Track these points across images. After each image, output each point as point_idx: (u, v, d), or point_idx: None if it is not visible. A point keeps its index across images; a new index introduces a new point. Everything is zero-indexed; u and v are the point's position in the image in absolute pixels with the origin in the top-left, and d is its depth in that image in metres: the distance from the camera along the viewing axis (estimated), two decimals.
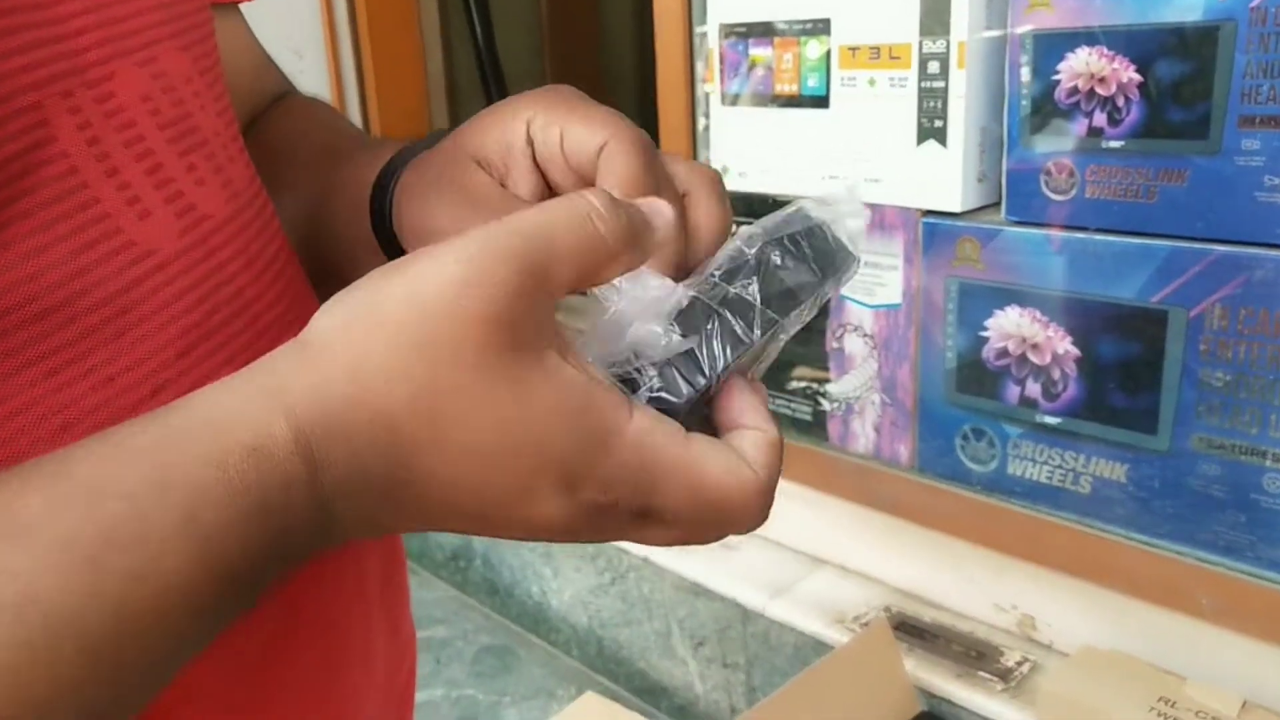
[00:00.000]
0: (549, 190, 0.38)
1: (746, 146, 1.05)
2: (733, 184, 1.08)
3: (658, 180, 0.35)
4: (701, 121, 1.11)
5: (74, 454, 0.25)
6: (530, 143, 0.37)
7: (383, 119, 1.94)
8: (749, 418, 0.31)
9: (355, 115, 1.93)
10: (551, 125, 0.36)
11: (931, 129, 0.90)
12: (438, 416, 0.27)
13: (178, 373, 0.34)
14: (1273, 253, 0.73)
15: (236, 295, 0.37)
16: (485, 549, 1.47)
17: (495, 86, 2.34)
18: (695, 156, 1.12)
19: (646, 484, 0.29)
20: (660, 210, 0.31)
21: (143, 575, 0.23)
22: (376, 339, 0.27)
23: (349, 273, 0.45)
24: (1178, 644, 0.84)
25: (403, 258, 0.29)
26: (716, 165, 1.09)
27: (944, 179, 0.90)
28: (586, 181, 0.36)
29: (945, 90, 0.88)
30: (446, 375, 0.27)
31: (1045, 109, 0.83)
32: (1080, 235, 0.83)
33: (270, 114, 0.54)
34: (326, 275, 0.48)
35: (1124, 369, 0.83)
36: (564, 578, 1.33)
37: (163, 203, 0.34)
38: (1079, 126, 0.81)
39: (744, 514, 0.30)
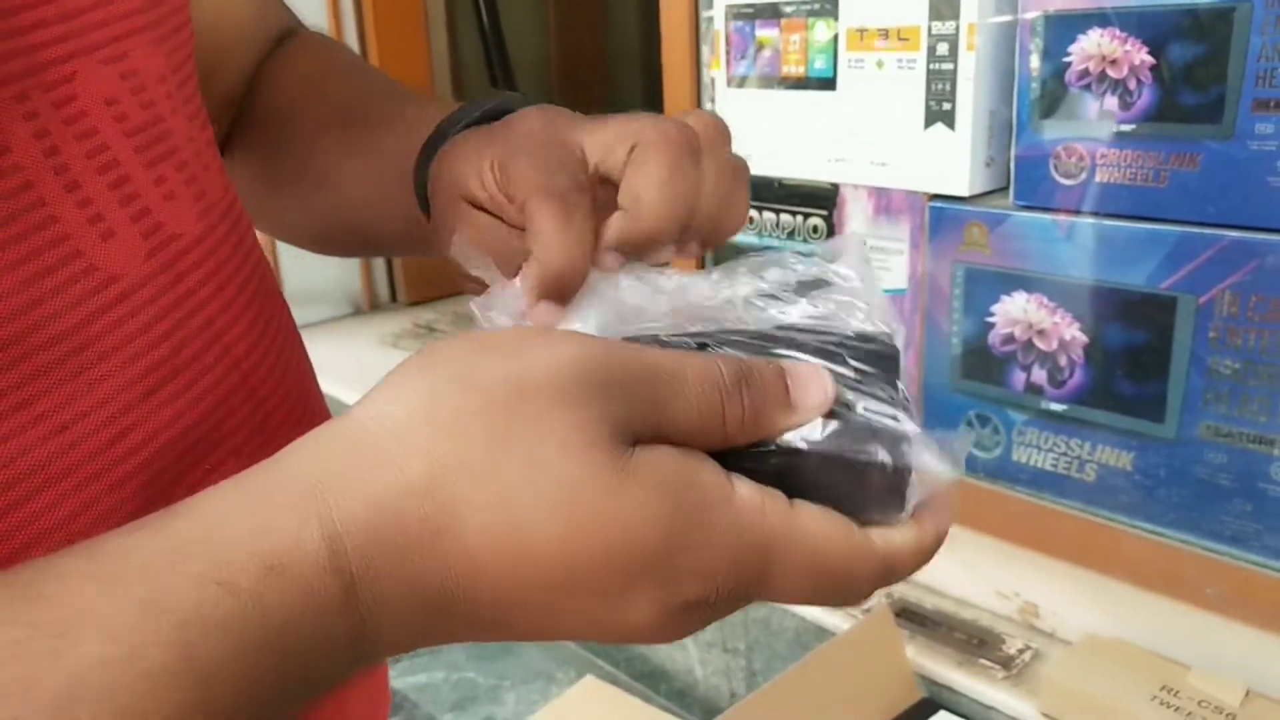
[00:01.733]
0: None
1: (752, 129, 1.04)
2: None
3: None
4: (707, 106, 1.10)
5: (48, 571, 0.21)
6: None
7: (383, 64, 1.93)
8: None
9: None
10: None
11: (940, 112, 0.89)
12: (515, 515, 0.23)
13: (141, 416, 0.30)
14: None
15: (207, 325, 0.33)
16: None
17: (500, 69, 2.33)
18: None
19: (755, 568, 0.25)
20: (810, 387, 0.27)
21: None
22: (457, 432, 0.23)
23: (399, 245, 0.44)
24: (1181, 633, 0.84)
25: (492, 339, 0.26)
26: None
27: (952, 162, 0.89)
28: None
29: (954, 73, 0.87)
30: (527, 471, 0.23)
31: (1055, 92, 0.82)
32: (1089, 220, 0.82)
33: (285, 60, 0.49)
34: (379, 245, 0.47)
35: (1131, 356, 0.82)
36: None
37: (128, 221, 0.31)
38: (1090, 110, 0.80)
39: (866, 583, 0.27)
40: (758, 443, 0.27)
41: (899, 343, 0.31)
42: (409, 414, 0.24)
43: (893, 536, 0.27)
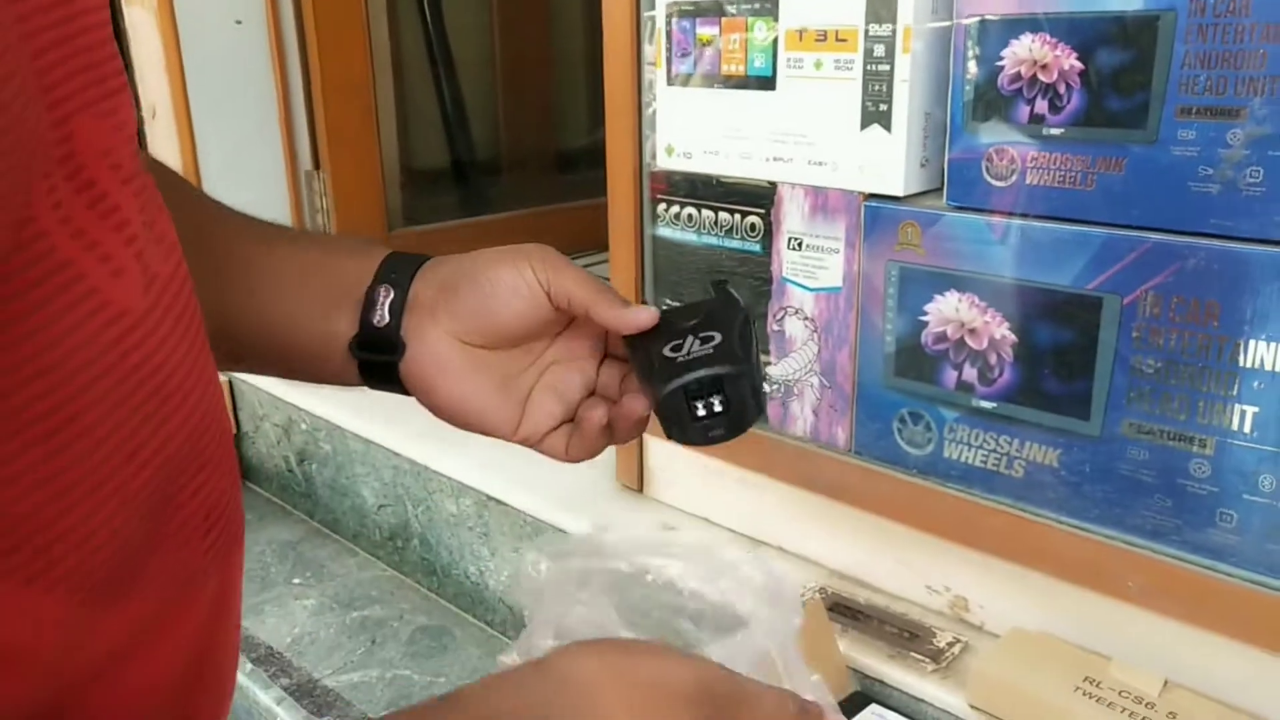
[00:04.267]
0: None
1: (691, 127, 1.05)
2: (677, 164, 1.07)
3: None
4: (648, 104, 1.10)
5: None
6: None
7: (325, 91, 1.90)
8: None
9: (297, 88, 1.89)
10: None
11: (876, 113, 0.90)
12: None
13: (145, 438, 0.33)
14: (1204, 242, 0.74)
15: (186, 354, 0.36)
16: (423, 529, 1.45)
17: (444, 64, 2.31)
18: (641, 138, 1.11)
19: None
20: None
21: None
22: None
23: (293, 360, 0.56)
24: (1104, 625, 0.86)
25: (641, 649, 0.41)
26: (662, 146, 1.08)
27: (887, 163, 0.90)
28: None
29: (890, 74, 0.88)
30: None
31: (988, 95, 0.83)
32: (1019, 221, 0.84)
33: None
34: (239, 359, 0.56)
35: (1059, 355, 0.84)
36: (501, 558, 1.32)
37: (133, 259, 0.32)
38: (1021, 113, 0.82)
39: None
40: None
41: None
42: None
43: None
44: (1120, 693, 0.80)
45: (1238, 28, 0.69)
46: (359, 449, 1.52)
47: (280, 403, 1.67)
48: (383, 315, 0.52)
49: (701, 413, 0.49)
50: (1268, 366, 0.73)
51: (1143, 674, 0.81)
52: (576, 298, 0.52)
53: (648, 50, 1.08)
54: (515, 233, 2.19)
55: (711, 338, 0.50)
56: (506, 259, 0.53)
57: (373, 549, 1.58)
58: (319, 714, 1.25)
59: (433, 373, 0.53)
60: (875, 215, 0.92)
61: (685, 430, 0.49)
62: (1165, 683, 0.80)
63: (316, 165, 1.94)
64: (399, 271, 0.54)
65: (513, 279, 0.52)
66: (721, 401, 0.49)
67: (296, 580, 1.53)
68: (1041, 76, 0.80)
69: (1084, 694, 0.80)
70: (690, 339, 0.51)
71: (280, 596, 1.49)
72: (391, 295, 0.53)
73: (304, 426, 1.63)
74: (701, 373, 0.48)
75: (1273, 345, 0.73)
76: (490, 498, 1.31)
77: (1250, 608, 0.76)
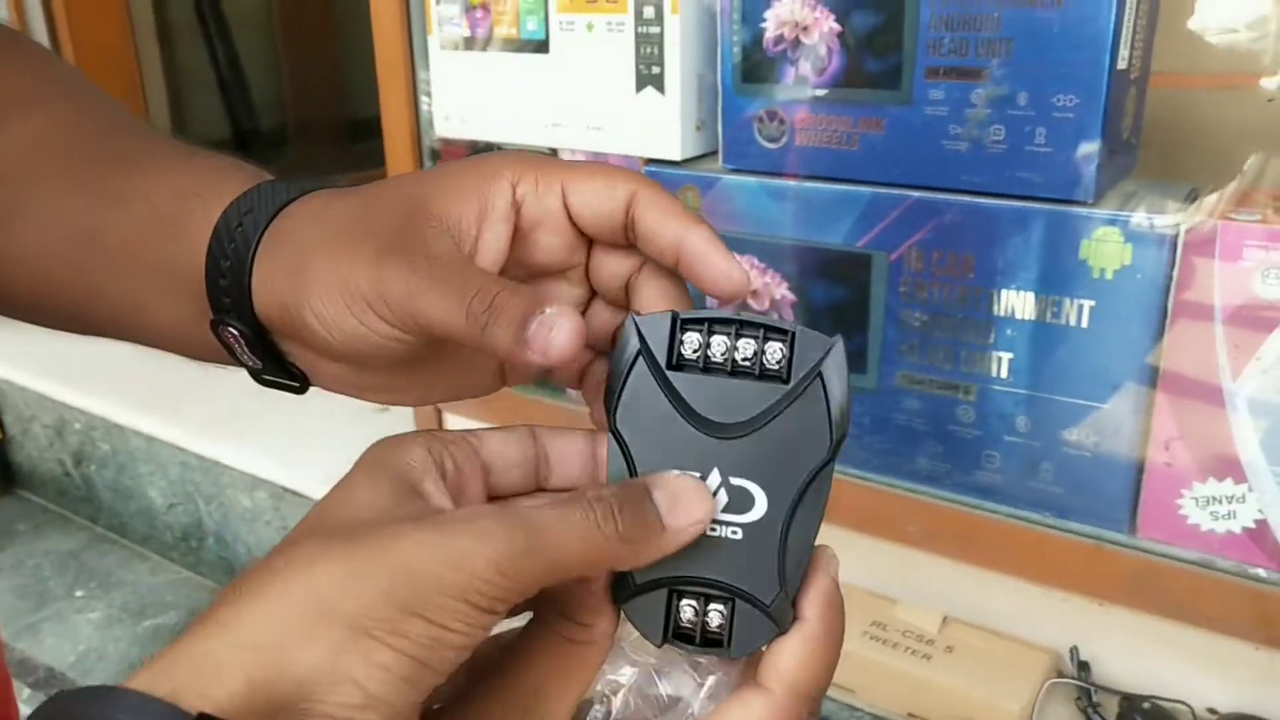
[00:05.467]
0: (511, 256, 0.32)
1: (468, 93, 1.01)
2: (455, 130, 1.03)
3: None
4: (421, 71, 1.06)
5: None
6: (516, 205, 0.32)
7: (79, 62, 1.74)
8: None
9: None
10: (550, 183, 0.31)
11: (650, 76, 0.89)
12: None
13: None
14: (958, 198, 0.77)
15: None
16: (218, 526, 1.37)
17: (215, 27, 2.16)
18: (417, 105, 1.07)
19: None
20: (686, 510, 0.29)
21: None
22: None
23: (119, 314, 0.36)
24: (891, 570, 0.89)
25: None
26: (439, 114, 1.04)
27: (663, 127, 0.89)
28: (599, 237, 0.33)
29: (661, 36, 0.87)
30: None
31: (755, 57, 0.83)
32: (792, 182, 0.85)
33: None
34: (77, 306, 0.37)
35: (836, 312, 0.86)
36: None
37: None
38: (787, 75, 0.82)
39: None
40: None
41: None
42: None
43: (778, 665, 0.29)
44: (904, 633, 0.83)
45: None
46: (141, 447, 1.42)
47: (49, 402, 1.53)
48: (253, 362, 0.35)
49: (688, 619, 0.30)
50: (1018, 314, 0.77)
51: (924, 613, 0.85)
52: (660, 237, 0.31)
53: (418, 21, 1.04)
54: None
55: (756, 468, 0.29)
56: (464, 192, 0.31)
57: (165, 551, 1.48)
58: None
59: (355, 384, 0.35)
60: (654, 179, 0.92)
61: (650, 631, 0.30)
62: (944, 619, 0.84)
63: None
64: (233, 295, 0.33)
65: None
66: (725, 617, 0.30)
67: (79, 592, 1.42)
68: (803, 38, 0.81)
69: (871, 637, 0.83)
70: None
71: (60, 612, 1.38)
72: (244, 334, 0.34)
73: (78, 426, 1.51)
74: (708, 577, 0.29)
75: (1022, 294, 0.76)
76: (286, 489, 1.24)
77: (1015, 543, 0.81)
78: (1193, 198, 0.73)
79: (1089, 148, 0.71)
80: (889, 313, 0.83)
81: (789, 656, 0.29)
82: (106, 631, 1.34)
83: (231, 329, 0.33)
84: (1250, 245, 0.69)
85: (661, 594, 0.30)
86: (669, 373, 0.30)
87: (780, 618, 0.29)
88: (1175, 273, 0.71)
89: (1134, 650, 0.80)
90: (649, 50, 0.88)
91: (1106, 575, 0.77)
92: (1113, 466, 0.76)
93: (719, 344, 0.30)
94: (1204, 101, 0.87)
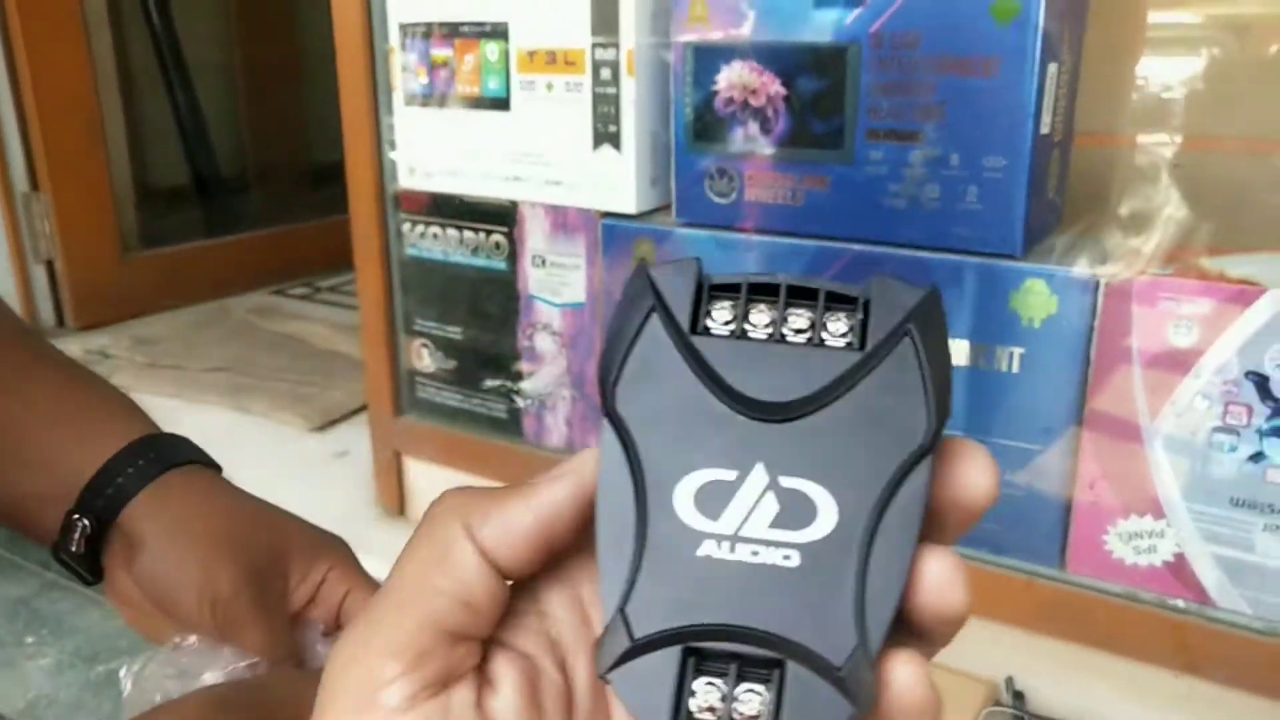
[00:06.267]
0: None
1: (431, 147, 1.05)
2: (419, 183, 1.07)
3: None
4: (386, 121, 1.10)
5: None
6: (319, 584, 0.45)
7: (41, 107, 1.75)
8: None
9: (5, 103, 1.73)
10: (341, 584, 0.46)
11: (606, 133, 0.93)
12: None
13: None
14: (897, 251, 0.82)
15: None
16: None
17: (176, 74, 2.18)
18: (381, 157, 1.10)
19: None
20: None
21: None
22: None
23: None
24: None
25: None
26: (402, 166, 1.08)
27: (619, 182, 0.94)
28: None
29: (617, 96, 0.92)
30: None
31: (706, 117, 0.88)
32: (740, 236, 0.89)
33: None
34: None
35: None
36: None
37: None
38: (737, 134, 0.87)
39: None
40: None
41: None
42: None
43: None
44: None
45: (911, 60, 0.77)
46: None
47: None
48: (78, 546, 0.45)
49: (708, 703, 0.20)
50: (953, 361, 0.82)
51: None
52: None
53: (382, 78, 1.08)
54: (265, 252, 2.10)
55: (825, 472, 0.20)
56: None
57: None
58: None
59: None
60: (611, 232, 0.96)
61: (648, 713, 0.20)
62: None
63: (35, 186, 1.79)
64: (114, 490, 0.44)
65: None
66: (769, 696, 0.20)
67: (30, 639, 1.41)
68: (752, 101, 0.86)
69: None
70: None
71: (11, 659, 1.36)
72: (88, 530, 0.44)
73: None
74: (745, 627, 0.20)
75: (956, 342, 0.81)
76: None
77: None
78: (1114, 251, 0.79)
79: (1016, 206, 0.77)
80: None
81: None
82: (58, 678, 1.33)
83: (85, 521, 0.44)
84: (1164, 297, 0.74)
85: (671, 655, 0.20)
86: (694, 338, 0.21)
87: (857, 691, 0.19)
88: (1097, 322, 0.76)
89: (1065, 679, 0.84)
90: (606, 109, 0.93)
91: (1039, 607, 0.81)
92: (1044, 504, 0.81)
93: (760, 316, 0.22)
94: (1124, 161, 0.94)
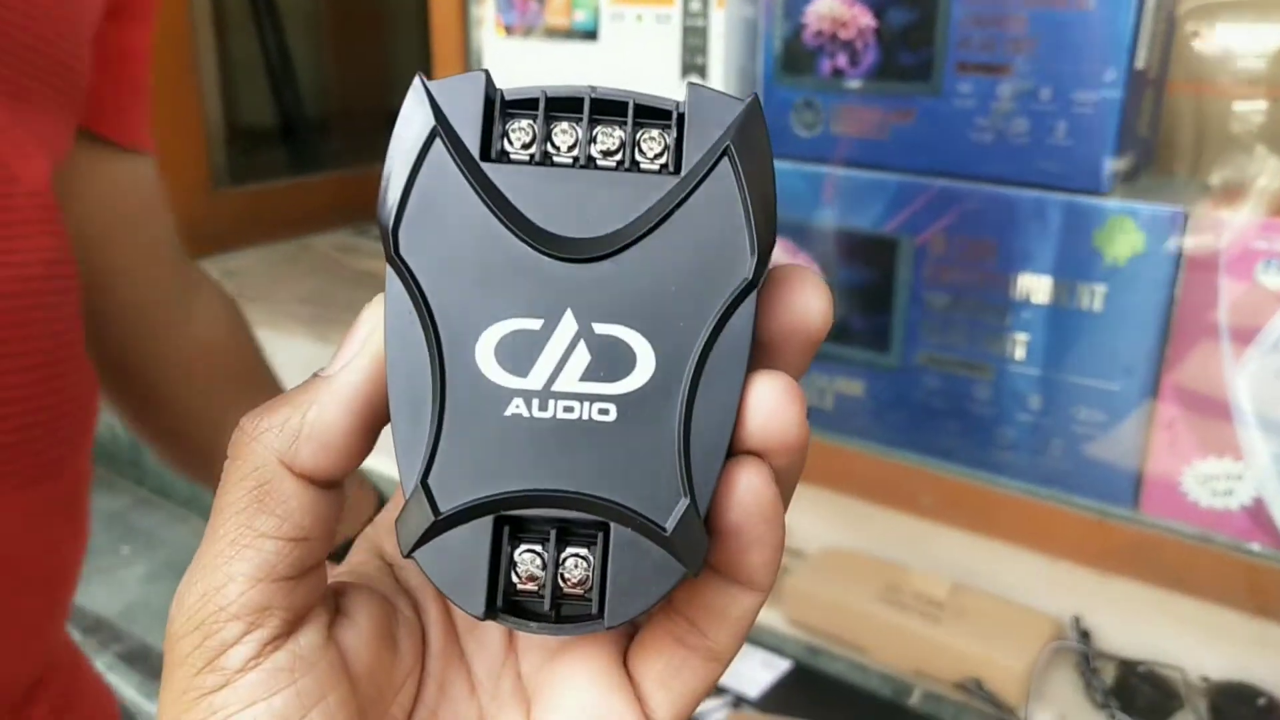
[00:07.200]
0: None
1: (519, 79, 1.06)
2: None
3: None
4: (474, 55, 1.12)
5: None
6: None
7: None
8: None
9: None
10: None
11: (694, 65, 0.94)
12: None
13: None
14: (980, 186, 0.82)
15: None
16: None
17: (268, 17, 2.23)
18: None
19: None
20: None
21: None
22: None
23: None
24: (904, 539, 0.94)
25: None
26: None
27: None
28: None
29: (706, 28, 0.93)
30: None
31: (794, 50, 0.89)
32: (825, 169, 0.90)
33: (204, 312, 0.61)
34: None
35: (862, 293, 0.91)
36: None
37: None
38: (824, 67, 0.88)
39: None
40: None
41: None
42: None
43: None
44: (915, 597, 0.88)
45: None
46: None
47: None
48: None
49: (528, 572, 0.19)
50: (1034, 299, 0.82)
51: (934, 580, 0.89)
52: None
53: (474, 9, 1.10)
54: (347, 192, 2.15)
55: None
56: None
57: (205, 513, 1.54)
58: (154, 679, 1.23)
59: None
60: None
61: (463, 593, 0.19)
62: (953, 586, 0.89)
63: None
64: None
65: None
66: (593, 561, 0.19)
67: (125, 549, 1.49)
68: (841, 34, 0.86)
69: (886, 601, 0.88)
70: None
71: (109, 566, 1.44)
72: None
73: None
74: (563, 491, 0.18)
75: (1039, 278, 0.81)
76: None
77: (1024, 515, 0.85)
78: (1203, 192, 0.78)
79: (1106, 143, 0.76)
80: (913, 294, 0.88)
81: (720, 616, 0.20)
82: (151, 586, 1.40)
83: None
84: (1254, 237, 0.73)
85: (483, 526, 0.18)
86: (485, 165, 0.19)
87: (686, 551, 0.18)
88: (1184, 261, 0.76)
89: (1133, 619, 0.84)
90: (694, 41, 0.94)
91: (1110, 547, 0.82)
92: (1120, 443, 0.81)
93: (564, 137, 0.19)
94: (1220, 107, 0.92)
